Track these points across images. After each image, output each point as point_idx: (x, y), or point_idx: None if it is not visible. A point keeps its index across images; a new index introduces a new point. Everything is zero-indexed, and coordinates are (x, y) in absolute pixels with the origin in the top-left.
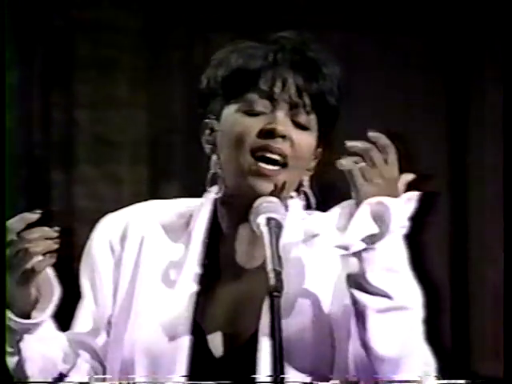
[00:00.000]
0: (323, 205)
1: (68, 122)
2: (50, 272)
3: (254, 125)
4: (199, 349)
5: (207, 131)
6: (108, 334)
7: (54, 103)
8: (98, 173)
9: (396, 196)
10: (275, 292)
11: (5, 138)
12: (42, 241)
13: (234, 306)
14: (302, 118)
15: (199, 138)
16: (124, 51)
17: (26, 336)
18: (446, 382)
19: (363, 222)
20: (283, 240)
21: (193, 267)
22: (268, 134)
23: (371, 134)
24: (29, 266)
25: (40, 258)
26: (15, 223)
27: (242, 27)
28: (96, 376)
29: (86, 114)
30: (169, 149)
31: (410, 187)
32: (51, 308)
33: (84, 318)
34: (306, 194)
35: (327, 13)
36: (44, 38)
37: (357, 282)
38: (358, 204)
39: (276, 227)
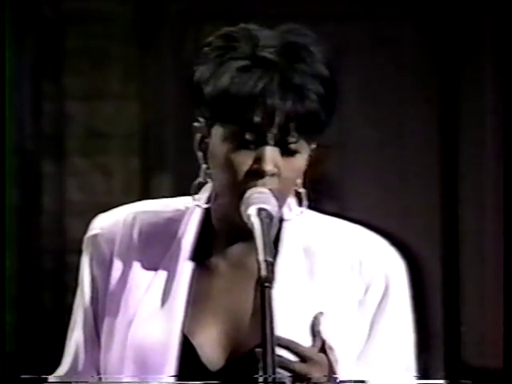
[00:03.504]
0: (315, 201)
1: (59, 113)
2: None
3: (243, 163)
4: (191, 364)
5: (198, 136)
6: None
7: (45, 95)
8: (89, 165)
9: None
10: (266, 283)
11: (5, 134)
12: None
13: (231, 316)
14: (292, 146)
15: (190, 129)
16: (115, 42)
17: None
18: None
19: None
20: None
21: (183, 278)
22: (256, 173)
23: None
24: None
25: None
26: None
27: (234, 18)
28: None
29: (76, 106)
30: (160, 141)
31: None
32: None
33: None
34: (299, 193)
35: (319, 2)
36: (34, 29)
37: None
38: None
39: (267, 218)
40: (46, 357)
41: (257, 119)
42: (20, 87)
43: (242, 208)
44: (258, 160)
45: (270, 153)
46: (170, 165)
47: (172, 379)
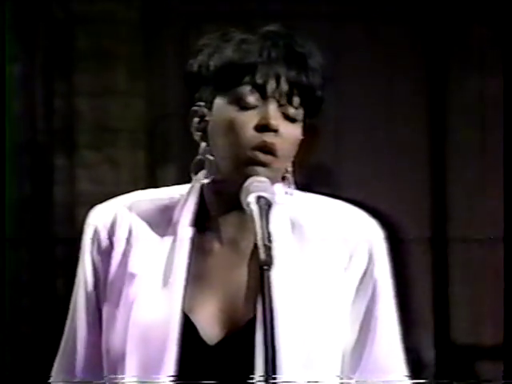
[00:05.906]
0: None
1: (69, 110)
2: None
3: (249, 120)
4: (191, 339)
5: (196, 119)
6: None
7: (56, 92)
8: (98, 158)
9: None
10: (265, 266)
11: (5, 129)
12: None
13: (226, 293)
14: (291, 112)
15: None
16: (122, 42)
17: None
18: None
19: None
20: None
21: (181, 258)
22: (262, 128)
23: None
24: None
25: None
26: None
27: (236, 18)
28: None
29: (86, 103)
30: (165, 134)
31: None
32: None
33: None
34: (287, 179)
35: (314, 2)
36: (45, 30)
37: None
38: None
39: (266, 205)
40: (57, 343)
41: (263, 84)
42: (32, 85)
43: (242, 196)
44: (263, 116)
45: (274, 112)
46: (175, 158)
47: (173, 378)
